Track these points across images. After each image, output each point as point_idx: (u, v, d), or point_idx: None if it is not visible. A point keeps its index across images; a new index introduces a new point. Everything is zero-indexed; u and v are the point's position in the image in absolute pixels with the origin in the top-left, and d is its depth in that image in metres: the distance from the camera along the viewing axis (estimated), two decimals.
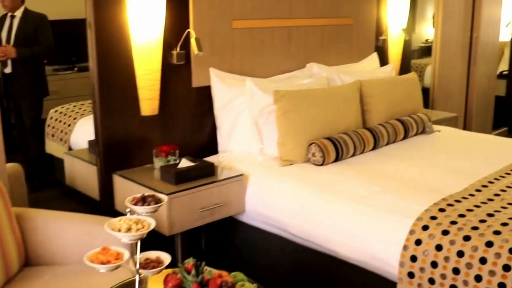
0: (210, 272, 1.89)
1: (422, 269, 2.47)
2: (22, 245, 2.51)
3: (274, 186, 3.19)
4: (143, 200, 1.88)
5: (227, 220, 3.33)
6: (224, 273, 1.95)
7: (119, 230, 1.72)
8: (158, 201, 1.88)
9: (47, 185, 5.01)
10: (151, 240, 2.07)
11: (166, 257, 1.95)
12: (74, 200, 3.99)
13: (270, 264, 3.23)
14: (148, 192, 1.98)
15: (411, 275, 2.51)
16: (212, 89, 3.64)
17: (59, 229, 2.59)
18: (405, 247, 2.53)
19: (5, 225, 2.38)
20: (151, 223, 1.76)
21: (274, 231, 3.18)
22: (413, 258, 2.50)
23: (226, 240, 3.53)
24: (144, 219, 1.78)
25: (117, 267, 1.79)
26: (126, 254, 1.83)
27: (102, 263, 1.78)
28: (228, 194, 3.19)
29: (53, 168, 4.96)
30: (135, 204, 1.86)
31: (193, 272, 1.84)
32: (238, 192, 3.23)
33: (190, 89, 3.59)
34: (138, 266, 1.85)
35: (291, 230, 3.05)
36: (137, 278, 1.85)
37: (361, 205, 2.82)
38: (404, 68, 5.29)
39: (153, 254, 1.97)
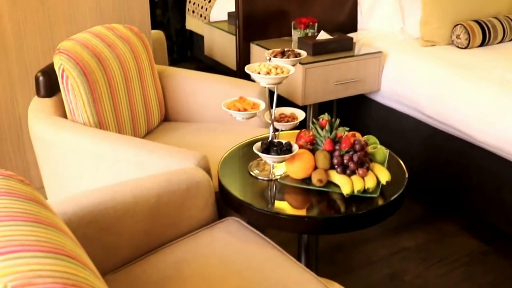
0: (343, 129, 1.88)
1: None
2: (162, 100, 2.62)
3: (413, 66, 3.08)
4: (282, 54, 1.87)
5: (360, 98, 3.29)
6: (357, 133, 1.94)
7: (259, 73, 1.71)
8: (297, 55, 1.86)
9: (186, 59, 5.20)
10: None
11: (300, 114, 1.95)
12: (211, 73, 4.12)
13: (402, 145, 3.18)
14: None
15: None
16: None
17: (197, 87, 2.67)
18: None
19: (149, 80, 2.49)
20: (290, 69, 1.74)
21: (409, 112, 3.11)
22: None
23: (358, 118, 3.50)
24: (283, 66, 1.76)
25: (253, 115, 1.80)
26: (262, 105, 1.84)
27: (239, 110, 1.80)
28: (365, 71, 3.13)
29: (192, 44, 5.11)
30: (275, 56, 1.85)
31: (327, 127, 1.83)
32: (375, 69, 3.16)
33: None
34: (273, 117, 1.86)
35: (426, 112, 2.97)
36: (271, 128, 1.86)
37: (505, 88, 2.66)
38: None
39: (288, 110, 1.97)
